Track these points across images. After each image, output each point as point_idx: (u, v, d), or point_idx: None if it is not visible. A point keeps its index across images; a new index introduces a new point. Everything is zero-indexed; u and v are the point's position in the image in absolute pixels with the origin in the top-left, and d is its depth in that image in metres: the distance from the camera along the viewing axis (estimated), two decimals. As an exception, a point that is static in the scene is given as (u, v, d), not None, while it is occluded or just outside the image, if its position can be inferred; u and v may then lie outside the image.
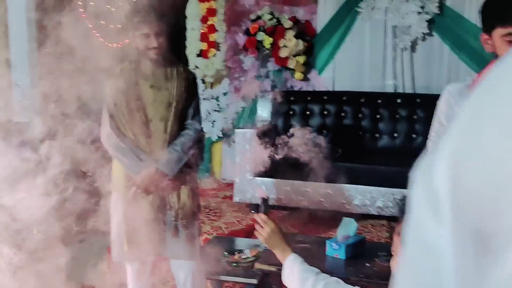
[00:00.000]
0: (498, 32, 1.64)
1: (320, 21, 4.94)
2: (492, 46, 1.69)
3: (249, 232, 3.47)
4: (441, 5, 4.53)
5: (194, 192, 2.54)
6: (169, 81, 2.44)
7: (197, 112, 2.56)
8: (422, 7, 4.51)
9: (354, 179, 3.96)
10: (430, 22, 4.57)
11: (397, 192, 3.84)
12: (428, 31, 4.60)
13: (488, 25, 1.68)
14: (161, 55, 2.39)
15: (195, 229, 2.53)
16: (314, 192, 4.09)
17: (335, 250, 2.62)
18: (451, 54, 4.64)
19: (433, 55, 4.72)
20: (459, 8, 4.55)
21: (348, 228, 2.73)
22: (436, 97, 4.40)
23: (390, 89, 4.80)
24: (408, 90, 4.78)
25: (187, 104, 2.49)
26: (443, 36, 4.63)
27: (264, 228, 1.61)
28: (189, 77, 2.54)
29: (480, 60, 4.52)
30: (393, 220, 3.84)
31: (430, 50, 4.72)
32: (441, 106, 1.79)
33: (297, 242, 2.74)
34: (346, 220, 2.76)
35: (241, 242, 3.00)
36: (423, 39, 4.68)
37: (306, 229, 3.84)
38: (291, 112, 4.84)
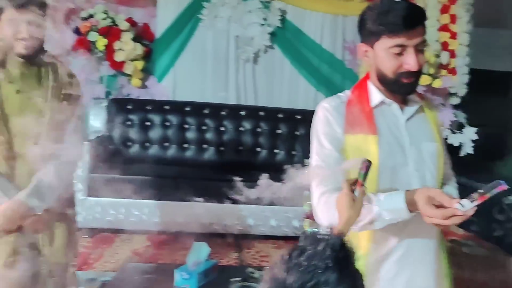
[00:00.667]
0: (384, 43, 1.46)
1: (160, 25, 4.60)
2: (373, 58, 1.53)
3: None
4: (283, 18, 4.54)
5: (72, 232, 2.03)
6: (42, 85, 1.90)
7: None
8: (265, 19, 4.47)
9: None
10: (272, 35, 4.55)
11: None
12: (270, 44, 4.57)
13: (370, 35, 1.50)
14: (34, 50, 1.85)
15: (67, 281, 2.01)
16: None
17: (185, 280, 2.31)
18: (292, 68, 4.68)
19: (275, 68, 4.71)
20: (299, 22, 4.62)
21: (199, 253, 2.47)
22: (277, 110, 4.53)
23: (233, 101, 4.66)
24: (251, 102, 4.70)
25: (65, 116, 1.94)
26: (284, 50, 4.65)
27: None
28: (71, 80, 2.01)
29: (319, 76, 4.65)
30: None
31: (272, 63, 4.70)
32: (320, 125, 1.59)
33: (143, 272, 2.40)
34: (197, 244, 2.50)
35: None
36: (265, 51, 4.65)
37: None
38: (128, 123, 4.39)
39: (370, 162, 1.28)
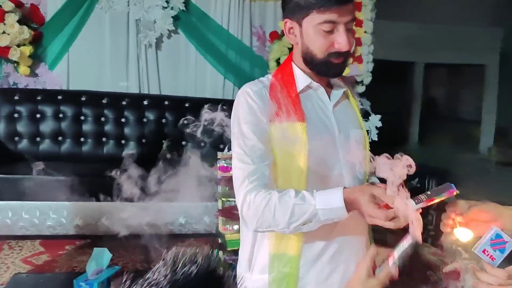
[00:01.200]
0: (313, 19, 1.32)
1: (50, 7, 4.14)
2: (300, 37, 1.38)
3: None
4: (187, 1, 4.28)
5: None
6: None
7: None
8: (167, 2, 4.18)
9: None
10: (176, 19, 4.27)
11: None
12: (173, 28, 4.29)
13: (298, 9, 1.34)
14: None
15: None
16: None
17: (85, 291, 2.06)
18: (198, 54, 4.44)
19: (180, 54, 4.44)
20: (204, 6, 4.38)
21: (100, 260, 2.22)
22: (183, 99, 4.28)
23: (135, 90, 4.33)
24: (154, 91, 4.40)
25: None
26: (189, 35, 4.40)
27: None
28: None
29: (227, 63, 4.46)
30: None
31: (177, 49, 4.43)
32: (242, 113, 1.39)
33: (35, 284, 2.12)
34: (97, 250, 2.24)
35: None
36: (169, 36, 4.37)
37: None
38: (16, 115, 3.92)
39: (416, 242, 1.06)
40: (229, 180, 2.58)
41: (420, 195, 1.11)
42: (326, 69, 1.36)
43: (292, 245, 1.35)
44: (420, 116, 8.74)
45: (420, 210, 1.11)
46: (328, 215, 1.22)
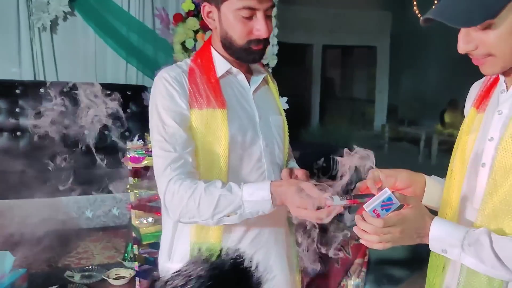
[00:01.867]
0: (232, 3, 1.28)
1: None
2: (218, 21, 1.34)
3: None
4: (83, -18, 4.03)
5: None
6: None
7: None
8: (62, -19, 3.90)
9: None
10: (72, 0, 4.00)
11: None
12: (70, 10, 4.02)
13: None
14: None
15: None
16: None
17: (-12, 299, 1.91)
18: (96, 37, 4.21)
19: (77, 38, 4.18)
20: (102, -14, 4.16)
21: (1, 265, 2.07)
22: (87, 86, 4.04)
23: (29, 77, 4.01)
24: (51, 77, 4.11)
25: None
26: (86, 17, 4.14)
27: None
28: None
29: (128, 47, 4.28)
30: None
31: (74, 32, 4.16)
32: (160, 99, 1.33)
33: None
34: None
35: None
36: (65, 18, 4.08)
37: None
38: None
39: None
40: (140, 171, 2.48)
41: (346, 195, 1.15)
42: (245, 55, 1.35)
43: (212, 233, 1.34)
44: (320, 97, 9.09)
45: (342, 207, 1.14)
46: (253, 207, 1.22)
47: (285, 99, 4.50)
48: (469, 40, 1.05)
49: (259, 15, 1.29)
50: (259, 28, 1.29)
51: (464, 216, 1.16)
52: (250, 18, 1.29)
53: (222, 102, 1.33)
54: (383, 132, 8.68)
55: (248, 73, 1.45)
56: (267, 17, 1.32)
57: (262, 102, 1.44)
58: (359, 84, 10.40)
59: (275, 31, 4.43)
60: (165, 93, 1.31)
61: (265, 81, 1.49)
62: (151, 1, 4.34)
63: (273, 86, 1.53)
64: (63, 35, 4.13)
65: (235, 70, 1.39)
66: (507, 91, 1.13)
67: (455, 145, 1.24)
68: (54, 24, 4.06)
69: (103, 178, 3.11)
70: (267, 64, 4.50)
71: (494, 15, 1.00)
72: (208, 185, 1.23)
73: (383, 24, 8.85)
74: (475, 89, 1.28)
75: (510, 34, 1.02)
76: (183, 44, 4.10)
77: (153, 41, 4.31)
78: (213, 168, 1.32)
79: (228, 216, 1.23)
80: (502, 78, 1.16)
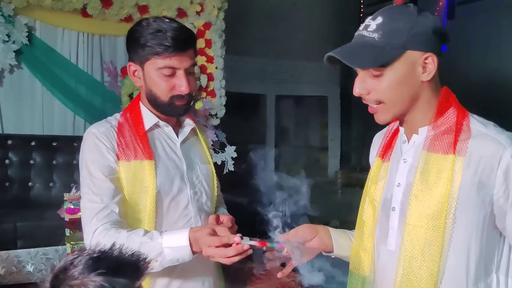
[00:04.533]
0: (154, 63, 1.39)
1: None
2: (143, 79, 1.43)
3: None
4: (30, 35, 4.06)
5: None
6: None
7: None
8: (8, 36, 3.93)
9: None
10: (18, 53, 4.02)
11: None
12: (16, 63, 4.03)
13: (139, 54, 1.41)
14: None
15: None
16: None
17: None
18: (44, 90, 4.21)
19: (24, 90, 4.17)
20: (50, 40, 4.20)
21: None
22: (29, 138, 4.01)
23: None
24: (-4, 129, 4.07)
25: None
26: (33, 70, 4.16)
27: None
28: None
29: (76, 99, 4.31)
30: None
31: (20, 84, 4.15)
32: (88, 153, 1.39)
33: None
34: None
35: None
36: (11, 71, 4.08)
37: None
38: None
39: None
40: (77, 223, 2.48)
41: (256, 238, 1.24)
42: (169, 110, 1.44)
43: None
44: (274, 145, 9.24)
45: (250, 247, 1.22)
46: (173, 254, 1.27)
47: (234, 147, 4.59)
48: (363, 86, 1.17)
49: (180, 73, 1.40)
50: (181, 84, 1.40)
51: (379, 258, 1.23)
52: (172, 76, 1.39)
53: (149, 153, 1.41)
54: (336, 178, 8.85)
55: (177, 125, 1.53)
56: (189, 74, 1.42)
57: (190, 152, 1.52)
58: (313, 132, 10.65)
59: (223, 82, 4.57)
60: (94, 147, 1.38)
61: (194, 132, 1.57)
62: (100, 54, 4.42)
63: (202, 137, 1.61)
64: (9, 87, 4.11)
65: (162, 123, 1.47)
66: (408, 142, 1.24)
67: (363, 194, 1.33)
68: (0, 76, 4.05)
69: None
70: (216, 114, 4.60)
71: (385, 65, 1.12)
72: (131, 234, 1.27)
73: (333, 74, 9.21)
74: (378, 139, 1.38)
75: (398, 84, 1.13)
76: (130, 95, 4.17)
77: (101, 93, 4.35)
78: (140, 217, 1.37)
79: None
80: (402, 129, 1.27)
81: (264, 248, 1.23)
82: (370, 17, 1.16)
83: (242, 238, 1.21)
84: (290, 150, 10.22)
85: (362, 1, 8.08)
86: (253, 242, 1.21)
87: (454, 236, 1.10)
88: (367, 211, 1.30)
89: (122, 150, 1.39)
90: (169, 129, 1.51)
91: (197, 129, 1.60)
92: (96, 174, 1.35)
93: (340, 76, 9.15)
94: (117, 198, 1.35)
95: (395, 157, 1.27)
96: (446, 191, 1.10)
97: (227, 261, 1.22)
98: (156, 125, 1.48)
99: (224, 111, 4.63)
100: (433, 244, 1.11)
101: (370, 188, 1.30)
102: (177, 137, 1.52)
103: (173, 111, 1.45)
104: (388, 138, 1.32)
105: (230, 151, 4.54)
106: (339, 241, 1.35)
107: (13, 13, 3.89)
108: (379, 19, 1.12)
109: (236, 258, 1.21)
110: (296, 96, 9.68)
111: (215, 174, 1.60)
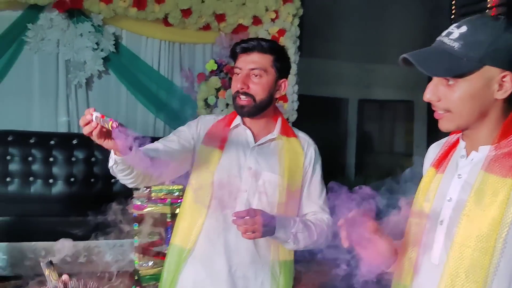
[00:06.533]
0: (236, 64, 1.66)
1: (-21, 47, 4.15)
2: None
3: None
4: (117, 43, 4.40)
5: None
6: None
7: None
8: (98, 44, 4.28)
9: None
10: (106, 60, 4.37)
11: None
12: (104, 69, 4.38)
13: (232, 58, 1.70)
14: None
15: None
16: None
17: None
18: (129, 94, 4.54)
19: (111, 94, 4.53)
20: (134, 48, 4.52)
21: None
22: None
23: (63, 129, 4.36)
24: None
25: None
26: (119, 75, 4.50)
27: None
28: None
29: (157, 102, 4.58)
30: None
31: (107, 89, 4.51)
32: (186, 124, 1.75)
33: None
34: None
35: None
36: (99, 76, 4.45)
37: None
38: None
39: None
40: (144, 218, 2.67)
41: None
42: (235, 107, 1.64)
43: None
44: (355, 151, 9.10)
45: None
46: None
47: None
48: (435, 92, 1.15)
49: (242, 73, 1.59)
50: (239, 81, 1.58)
51: (422, 270, 1.23)
52: (238, 75, 1.61)
53: (222, 145, 1.63)
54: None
55: (263, 131, 1.64)
56: (254, 75, 1.58)
57: (261, 157, 1.62)
58: (397, 138, 10.33)
59: (295, 88, 4.62)
60: (191, 123, 1.70)
61: (277, 141, 1.66)
62: (179, 61, 4.66)
63: (287, 147, 1.68)
64: (98, 92, 4.49)
65: (242, 126, 1.66)
66: (466, 157, 1.21)
67: (413, 202, 1.31)
68: (89, 81, 4.43)
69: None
70: (287, 119, 4.66)
71: (461, 76, 1.11)
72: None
73: (419, 78, 8.87)
74: (434, 149, 1.35)
75: (470, 97, 1.11)
76: (205, 100, 4.36)
77: (180, 97, 4.59)
78: (199, 193, 1.61)
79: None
80: (462, 143, 1.23)
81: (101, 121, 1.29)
82: (455, 25, 1.13)
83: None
84: (372, 156, 10.01)
85: (454, 2, 7.70)
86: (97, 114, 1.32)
87: (502, 261, 1.07)
88: (414, 220, 1.28)
89: (207, 136, 1.63)
90: (248, 132, 1.65)
91: (283, 139, 1.68)
92: (175, 134, 1.66)
93: (427, 80, 8.74)
94: (168, 146, 1.58)
95: (450, 170, 1.23)
96: (499, 215, 1.06)
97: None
98: (239, 125, 1.66)
99: (296, 115, 4.68)
100: (478, 266, 1.08)
101: (419, 198, 1.28)
102: (254, 141, 1.63)
103: (237, 109, 1.63)
104: (445, 149, 1.28)
105: (302, 156, 4.59)
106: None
107: (102, 23, 4.24)
108: (463, 28, 1.09)
109: (88, 130, 1.31)
110: (380, 101, 9.46)
111: (284, 186, 1.64)
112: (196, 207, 1.60)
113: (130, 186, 1.53)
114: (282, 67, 1.63)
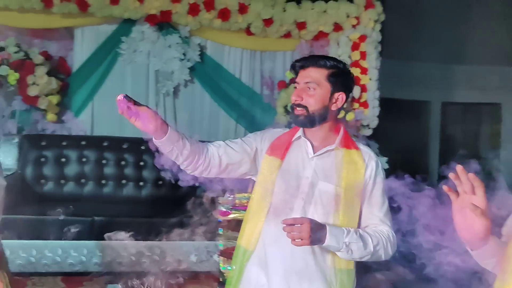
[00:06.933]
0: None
1: (77, 59, 4.53)
2: None
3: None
4: (202, 53, 4.61)
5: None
6: None
7: None
8: (184, 54, 4.51)
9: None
10: (192, 69, 4.60)
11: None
12: (190, 78, 4.61)
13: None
14: None
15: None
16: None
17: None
18: (211, 101, 4.74)
19: (195, 102, 4.76)
20: (218, 57, 4.71)
21: None
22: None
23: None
24: (172, 135, 4.68)
25: None
26: (203, 84, 4.71)
27: None
28: None
29: (238, 109, 4.74)
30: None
31: (192, 97, 4.74)
32: (253, 133, 1.87)
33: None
34: (110, 287, 2.46)
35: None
36: (186, 85, 4.69)
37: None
38: (42, 159, 4.24)
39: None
40: (228, 224, 2.82)
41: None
42: (292, 118, 1.73)
43: None
44: (439, 155, 8.81)
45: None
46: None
47: (385, 159, 4.58)
48: None
49: (299, 86, 1.70)
50: (294, 94, 1.69)
51: None
52: (296, 89, 1.72)
53: (283, 155, 1.72)
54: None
55: (323, 143, 1.71)
56: (309, 88, 1.67)
57: (320, 168, 1.70)
58: (482, 141, 9.87)
59: (376, 93, 4.59)
60: (258, 132, 1.81)
61: (336, 152, 1.72)
62: (260, 69, 4.80)
63: (347, 159, 1.72)
64: (184, 99, 4.73)
65: (302, 138, 1.74)
66: None
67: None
68: (176, 90, 4.67)
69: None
70: (367, 125, 4.64)
71: None
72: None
73: (507, 80, 8.43)
74: None
75: None
76: (285, 107, 4.45)
77: (260, 105, 4.72)
78: (261, 200, 1.72)
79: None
80: None
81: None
82: None
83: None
84: (456, 159, 9.64)
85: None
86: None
87: None
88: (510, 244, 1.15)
89: (271, 147, 1.73)
90: (308, 143, 1.73)
91: (342, 151, 1.72)
92: (241, 138, 1.79)
93: (516, 81, 8.36)
94: (224, 149, 1.73)
95: None
96: None
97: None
98: (300, 137, 1.75)
99: (377, 122, 4.65)
100: None
101: None
102: (313, 152, 1.71)
103: (293, 119, 1.72)
104: None
105: (382, 163, 4.55)
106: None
107: (188, 34, 4.46)
108: None
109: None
110: (465, 103, 9.09)
111: (344, 197, 1.66)
112: (257, 212, 1.71)
113: (188, 172, 1.74)
114: (338, 81, 1.68)
